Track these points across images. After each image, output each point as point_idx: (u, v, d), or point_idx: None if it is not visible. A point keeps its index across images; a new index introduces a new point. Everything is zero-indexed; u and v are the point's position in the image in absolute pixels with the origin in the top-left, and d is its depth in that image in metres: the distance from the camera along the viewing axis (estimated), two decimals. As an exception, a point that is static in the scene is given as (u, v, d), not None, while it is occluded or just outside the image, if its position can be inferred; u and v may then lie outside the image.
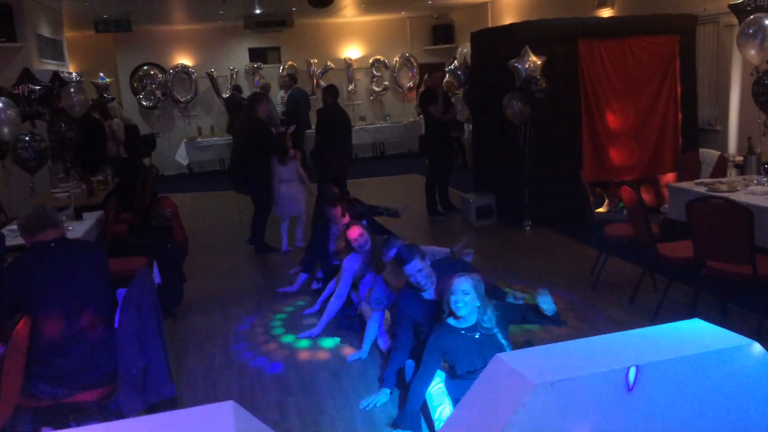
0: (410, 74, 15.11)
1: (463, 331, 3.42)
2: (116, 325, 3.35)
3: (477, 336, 3.41)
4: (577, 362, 1.60)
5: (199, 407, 1.48)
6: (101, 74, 12.34)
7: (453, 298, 3.35)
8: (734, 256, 4.33)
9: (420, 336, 3.87)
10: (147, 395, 3.35)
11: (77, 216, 5.86)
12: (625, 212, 6.60)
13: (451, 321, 3.45)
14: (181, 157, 13.62)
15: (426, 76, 12.31)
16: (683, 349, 1.64)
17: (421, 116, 11.46)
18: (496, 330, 3.40)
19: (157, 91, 13.96)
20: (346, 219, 5.64)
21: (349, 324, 4.99)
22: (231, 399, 1.68)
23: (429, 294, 3.91)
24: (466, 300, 3.35)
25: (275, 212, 7.47)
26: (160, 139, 13.70)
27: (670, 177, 7.52)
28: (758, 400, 1.65)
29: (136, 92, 13.95)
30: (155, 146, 13.15)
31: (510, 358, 1.60)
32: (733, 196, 4.88)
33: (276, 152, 7.16)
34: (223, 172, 13.92)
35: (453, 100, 8.76)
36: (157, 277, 4.66)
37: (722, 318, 4.61)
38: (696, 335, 1.74)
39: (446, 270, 3.93)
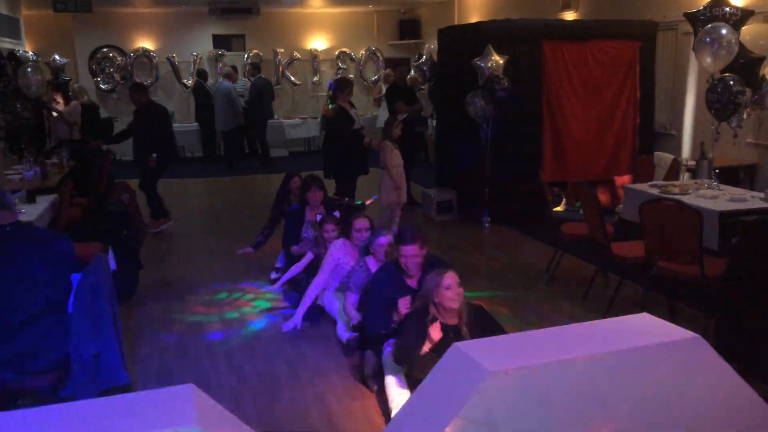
0: (376, 68, 15.11)
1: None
2: (69, 310, 3.30)
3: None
4: (531, 352, 1.64)
5: (158, 389, 1.48)
6: (55, 55, 11.99)
7: (447, 293, 3.36)
8: (683, 257, 4.47)
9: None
10: (99, 382, 3.30)
11: (30, 199, 5.72)
12: (581, 212, 6.74)
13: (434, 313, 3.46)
14: (140, 142, 13.36)
15: (387, 70, 12.33)
16: (632, 341, 1.70)
17: (379, 110, 11.53)
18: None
19: (116, 75, 13.65)
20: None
21: (308, 315, 4.98)
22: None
23: (412, 282, 3.97)
24: (457, 293, 3.39)
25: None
26: (118, 123, 13.40)
27: (625, 178, 7.70)
28: (701, 391, 1.73)
29: (94, 75, 13.62)
30: (113, 131, 12.86)
31: (467, 347, 1.64)
32: (684, 198, 5.04)
33: (352, 140, 7.09)
34: (182, 159, 13.72)
35: (417, 96, 8.79)
36: (112, 263, 4.58)
37: (671, 316, 4.76)
38: (644, 329, 1.81)
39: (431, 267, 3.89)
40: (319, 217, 5.55)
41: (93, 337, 3.22)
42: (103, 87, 13.61)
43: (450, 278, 3.36)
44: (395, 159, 7.00)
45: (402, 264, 3.97)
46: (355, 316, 4.43)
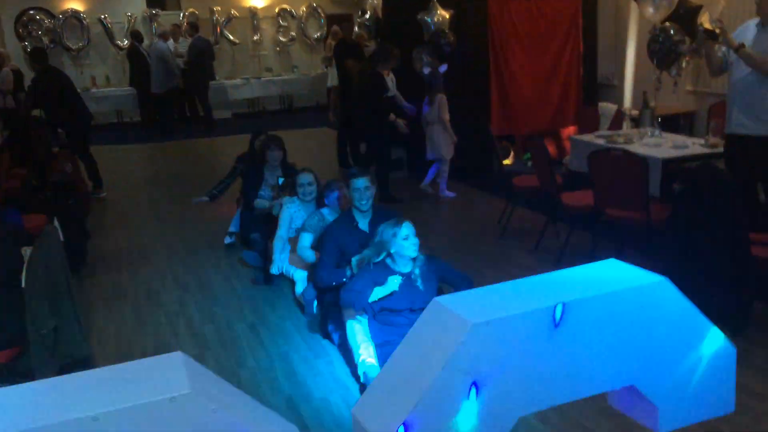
0: (318, 25, 14.82)
1: (396, 272, 3.52)
2: (22, 285, 3.20)
3: (401, 280, 3.50)
4: (509, 302, 1.69)
5: (147, 359, 1.47)
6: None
7: (405, 243, 3.44)
8: (630, 204, 4.63)
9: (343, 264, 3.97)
10: (59, 356, 3.25)
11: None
12: (529, 164, 6.87)
13: (388, 261, 3.54)
14: (75, 108, 12.83)
15: (335, 27, 12.12)
16: (604, 287, 1.78)
17: (327, 68, 11.36)
18: (417, 278, 3.52)
19: (44, 38, 12.99)
20: None
21: (265, 279, 4.98)
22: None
23: (363, 224, 4.04)
24: (415, 242, 3.48)
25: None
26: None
27: (571, 130, 7.85)
28: (669, 332, 1.82)
29: (21, 38, 12.93)
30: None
31: (447, 301, 1.68)
32: (629, 147, 5.18)
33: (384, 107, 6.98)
34: (119, 125, 13.27)
35: (365, 53, 8.69)
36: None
37: (619, 262, 4.93)
38: (615, 274, 1.88)
39: (381, 216, 3.97)
40: (281, 181, 5.47)
41: (50, 312, 3.16)
42: (31, 51, 12.92)
43: (407, 228, 3.47)
44: (448, 113, 6.99)
45: (356, 202, 4.04)
46: (309, 255, 4.46)
